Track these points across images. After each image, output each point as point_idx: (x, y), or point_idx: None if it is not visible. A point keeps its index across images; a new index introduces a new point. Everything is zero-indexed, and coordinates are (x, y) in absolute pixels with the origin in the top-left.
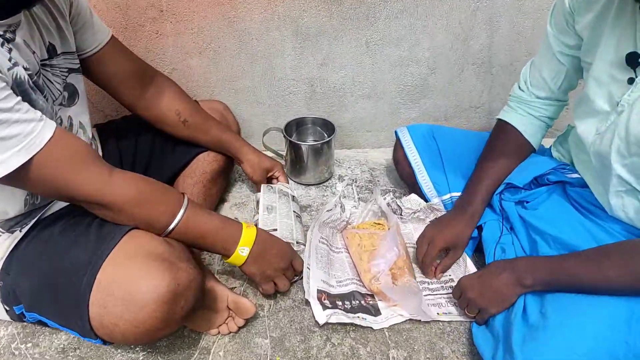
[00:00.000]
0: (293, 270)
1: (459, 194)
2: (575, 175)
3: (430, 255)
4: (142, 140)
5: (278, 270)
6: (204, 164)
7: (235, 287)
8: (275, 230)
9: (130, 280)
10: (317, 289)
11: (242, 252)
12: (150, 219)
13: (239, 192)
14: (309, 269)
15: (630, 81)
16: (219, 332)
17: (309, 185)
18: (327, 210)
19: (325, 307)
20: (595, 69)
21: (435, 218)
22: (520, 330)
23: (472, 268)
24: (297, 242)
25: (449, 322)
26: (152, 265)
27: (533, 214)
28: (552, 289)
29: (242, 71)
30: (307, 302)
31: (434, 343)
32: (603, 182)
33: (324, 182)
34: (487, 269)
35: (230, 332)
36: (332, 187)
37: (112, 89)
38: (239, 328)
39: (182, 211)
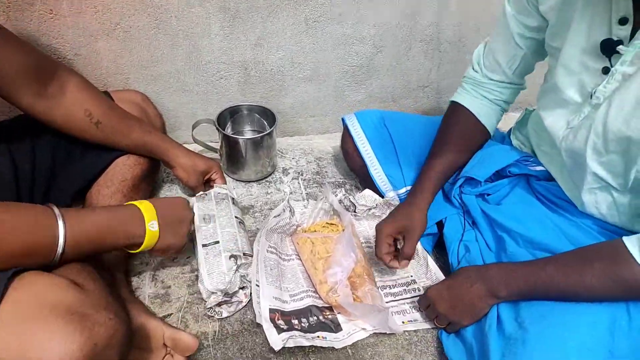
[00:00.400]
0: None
1: None
2: (539, 168)
3: (380, 248)
4: (42, 144)
5: (188, 223)
6: (124, 169)
7: (171, 314)
8: (217, 242)
9: (29, 348)
10: (270, 308)
11: (152, 227)
12: (26, 249)
13: (169, 194)
14: (258, 286)
15: (605, 71)
16: None
17: (249, 182)
18: (275, 217)
19: (280, 330)
20: (564, 56)
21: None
22: (497, 343)
23: (433, 266)
24: (243, 254)
25: (415, 330)
26: (57, 325)
27: (497, 210)
28: (528, 298)
29: (161, 54)
30: (258, 325)
31: (402, 357)
32: (575, 178)
33: (266, 177)
34: (456, 279)
35: None
36: (277, 183)
37: (1, 90)
38: None
39: (60, 224)
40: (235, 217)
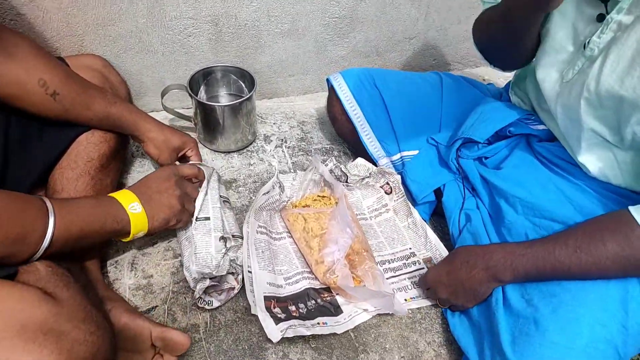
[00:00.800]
0: (190, 179)
1: (411, 152)
2: (541, 127)
3: None
4: None
5: (173, 189)
6: (89, 147)
7: (156, 307)
8: (208, 219)
9: None
10: (265, 296)
11: (134, 209)
12: (10, 239)
13: (140, 173)
14: (251, 272)
15: (600, 18)
16: None
17: (229, 152)
18: (264, 194)
19: (277, 320)
20: None
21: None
22: (506, 321)
23: (432, 237)
24: (232, 236)
25: (418, 308)
26: (29, 349)
27: (496, 175)
28: (533, 281)
29: (118, 11)
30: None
31: (407, 337)
32: (572, 136)
33: (247, 147)
34: (454, 263)
35: None
36: (259, 152)
37: None
38: None
39: (51, 220)
40: (221, 195)
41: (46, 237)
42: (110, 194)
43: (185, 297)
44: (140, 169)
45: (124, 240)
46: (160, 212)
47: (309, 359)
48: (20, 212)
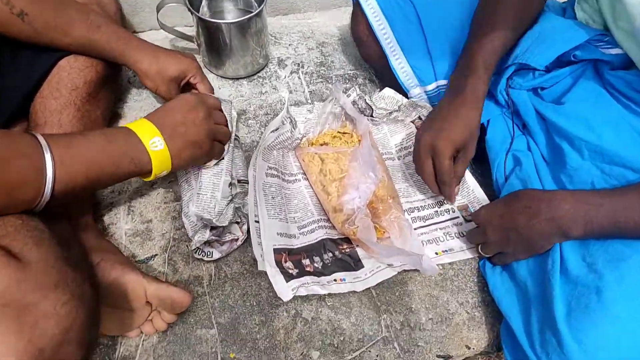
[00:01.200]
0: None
1: None
2: (615, 51)
3: (445, 171)
4: None
5: (201, 120)
6: (73, 74)
7: (156, 255)
8: (222, 159)
9: None
10: (274, 249)
11: (155, 146)
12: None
13: (137, 102)
14: (258, 222)
15: None
16: (141, 333)
17: (238, 79)
18: (273, 131)
19: (289, 277)
20: None
21: (427, 116)
22: (562, 288)
23: (471, 181)
24: (238, 181)
25: (450, 263)
26: None
27: (557, 110)
28: (605, 238)
29: None
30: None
31: (436, 297)
32: None
33: (258, 72)
34: (512, 206)
35: (158, 331)
36: (272, 79)
37: None
38: (170, 324)
39: (47, 156)
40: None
41: (45, 190)
42: (126, 125)
43: (187, 245)
44: (138, 97)
45: (144, 179)
46: (185, 149)
47: (325, 318)
48: (7, 160)
